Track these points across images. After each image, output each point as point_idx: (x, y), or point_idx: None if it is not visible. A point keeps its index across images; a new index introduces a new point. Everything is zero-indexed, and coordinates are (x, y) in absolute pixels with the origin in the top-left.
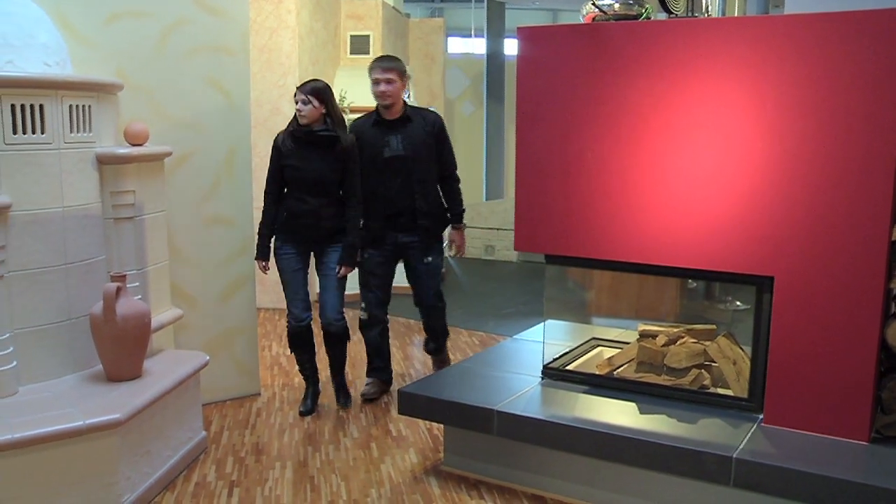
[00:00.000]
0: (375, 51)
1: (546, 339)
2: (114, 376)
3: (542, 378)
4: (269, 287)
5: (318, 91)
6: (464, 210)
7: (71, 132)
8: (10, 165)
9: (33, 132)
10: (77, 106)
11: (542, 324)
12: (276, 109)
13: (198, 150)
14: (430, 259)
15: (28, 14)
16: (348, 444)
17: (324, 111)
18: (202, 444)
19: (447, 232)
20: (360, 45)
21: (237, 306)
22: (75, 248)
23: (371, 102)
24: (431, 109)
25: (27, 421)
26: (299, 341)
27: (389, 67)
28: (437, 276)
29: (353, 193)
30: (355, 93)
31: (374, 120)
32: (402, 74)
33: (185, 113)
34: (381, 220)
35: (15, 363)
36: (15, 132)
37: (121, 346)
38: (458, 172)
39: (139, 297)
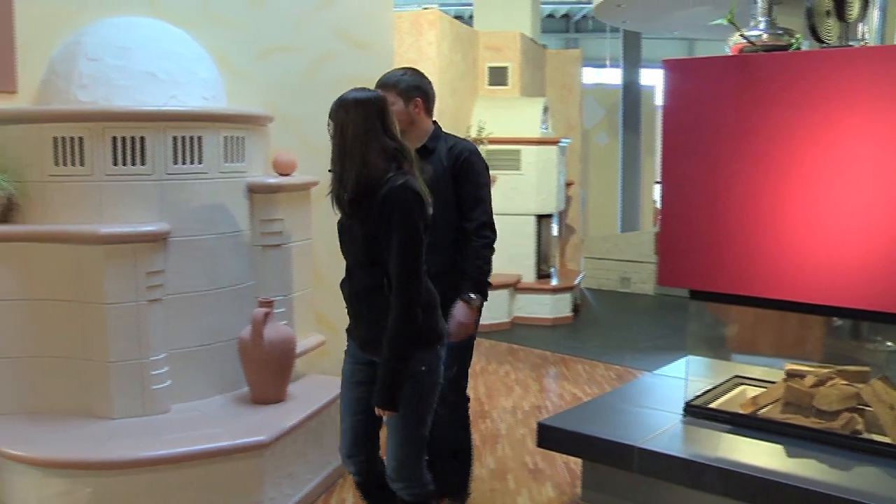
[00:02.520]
0: (513, 82)
1: (688, 375)
2: (259, 399)
3: (684, 416)
4: None
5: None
6: (485, 283)
7: (225, 162)
8: (170, 193)
9: (192, 162)
10: (231, 137)
11: (682, 359)
12: None
13: None
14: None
15: (190, 52)
16: (485, 475)
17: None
18: (341, 468)
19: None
20: (498, 76)
21: None
22: (226, 273)
23: (508, 133)
24: (464, 139)
25: (179, 438)
26: (363, 495)
27: (384, 86)
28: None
29: (394, 275)
30: (494, 124)
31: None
32: (406, 92)
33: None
34: None
35: (169, 382)
36: (175, 162)
37: (267, 370)
38: (593, 200)
39: (285, 322)
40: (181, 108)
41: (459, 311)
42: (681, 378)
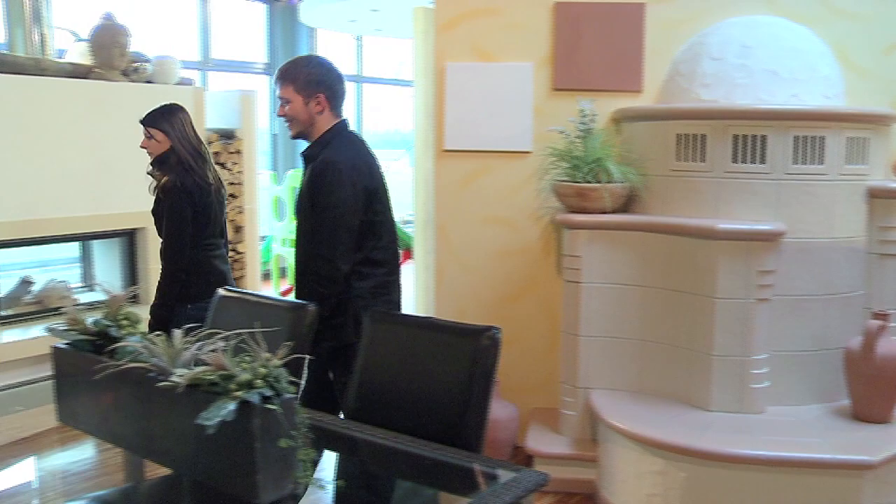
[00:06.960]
0: None
1: None
2: (861, 415)
3: None
4: None
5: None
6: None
7: (846, 164)
8: (787, 194)
9: (812, 162)
10: (854, 138)
11: None
12: None
13: None
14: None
15: (813, 49)
16: None
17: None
18: None
19: None
20: None
21: None
22: (837, 279)
23: None
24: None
25: (774, 441)
26: None
27: (281, 78)
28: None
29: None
30: None
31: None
32: (306, 87)
33: None
34: None
35: (768, 383)
36: (795, 162)
37: (875, 386)
38: None
39: None
40: (804, 107)
41: None
42: None
